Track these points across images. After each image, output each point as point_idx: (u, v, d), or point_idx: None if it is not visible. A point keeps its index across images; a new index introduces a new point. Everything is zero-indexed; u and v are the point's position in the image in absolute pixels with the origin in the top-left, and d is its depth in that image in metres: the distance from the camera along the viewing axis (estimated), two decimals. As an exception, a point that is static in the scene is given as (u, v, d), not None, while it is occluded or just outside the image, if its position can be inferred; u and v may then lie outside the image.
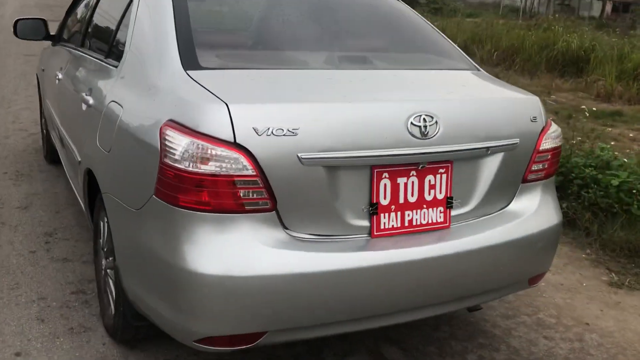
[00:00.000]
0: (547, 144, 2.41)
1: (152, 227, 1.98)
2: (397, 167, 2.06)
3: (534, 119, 2.37)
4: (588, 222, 4.06)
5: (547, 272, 2.60)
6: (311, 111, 1.97)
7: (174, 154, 1.85)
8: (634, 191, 4.02)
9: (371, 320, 2.12)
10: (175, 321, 1.98)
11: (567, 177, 4.31)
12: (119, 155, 2.25)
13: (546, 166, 2.44)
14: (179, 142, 1.85)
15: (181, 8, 2.38)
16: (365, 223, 2.06)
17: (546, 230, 2.41)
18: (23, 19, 3.91)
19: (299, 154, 1.88)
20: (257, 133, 1.84)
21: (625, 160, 4.34)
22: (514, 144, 2.29)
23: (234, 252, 1.87)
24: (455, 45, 2.89)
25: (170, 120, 1.93)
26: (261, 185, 1.86)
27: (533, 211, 2.41)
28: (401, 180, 2.09)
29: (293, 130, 1.88)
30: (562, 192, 4.18)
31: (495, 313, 3.07)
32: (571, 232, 4.11)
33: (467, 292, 2.27)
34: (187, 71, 2.11)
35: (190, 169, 1.83)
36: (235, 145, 1.83)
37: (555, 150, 2.46)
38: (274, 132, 1.86)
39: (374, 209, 2.06)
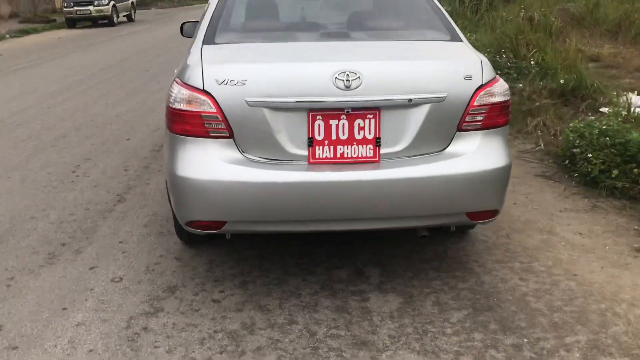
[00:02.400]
0: (483, 99, 2.88)
1: (166, 148, 3.02)
2: (327, 111, 2.79)
3: (468, 77, 2.87)
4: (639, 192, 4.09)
5: (496, 211, 3.01)
6: (257, 69, 2.83)
7: (172, 98, 2.87)
8: None
9: (307, 224, 2.87)
10: (175, 210, 2.99)
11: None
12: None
13: (483, 118, 2.90)
14: (175, 90, 2.86)
15: (222, 2, 3.41)
16: (304, 152, 2.83)
17: (481, 172, 2.88)
18: (187, 22, 5.22)
19: (246, 98, 2.75)
20: (217, 83, 2.77)
21: None
22: (441, 97, 2.82)
23: (204, 163, 2.81)
24: (447, 19, 3.40)
25: (177, 77, 2.95)
26: (220, 119, 2.77)
27: (468, 155, 2.89)
28: (333, 122, 2.81)
29: (242, 82, 2.76)
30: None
31: (493, 258, 3.49)
32: (636, 204, 4.16)
33: (393, 214, 2.87)
34: (204, 45, 3.11)
35: (177, 107, 2.83)
36: (204, 92, 2.78)
37: (495, 105, 2.90)
38: (229, 82, 2.76)
39: (310, 142, 2.82)
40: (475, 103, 2.87)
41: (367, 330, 2.78)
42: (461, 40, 3.27)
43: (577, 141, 4.83)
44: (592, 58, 9.83)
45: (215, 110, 2.76)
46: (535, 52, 7.77)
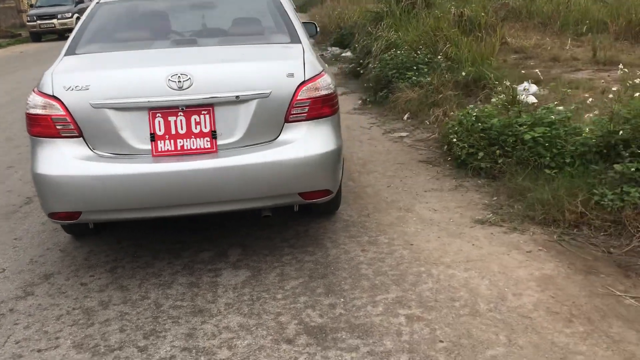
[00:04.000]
0: (306, 94, 3.28)
1: (30, 150, 3.40)
2: (165, 109, 3.17)
3: (290, 75, 3.27)
4: (499, 172, 4.51)
5: (328, 191, 3.41)
6: (99, 75, 3.22)
7: (28, 105, 3.24)
8: (547, 144, 4.36)
9: (157, 211, 3.25)
10: (40, 204, 3.36)
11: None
12: None
13: (307, 110, 3.30)
14: (31, 98, 3.23)
15: (92, 13, 3.80)
16: (147, 147, 3.21)
17: (308, 157, 3.27)
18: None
19: (90, 102, 3.13)
20: (65, 89, 3.14)
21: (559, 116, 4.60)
22: (266, 93, 3.22)
23: (58, 161, 3.17)
24: (292, 25, 3.80)
25: (35, 86, 3.33)
26: (69, 121, 3.15)
27: (296, 142, 3.28)
28: (171, 119, 3.20)
29: (86, 87, 3.14)
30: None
31: (347, 234, 3.89)
32: (494, 182, 4.58)
33: (234, 197, 3.25)
34: (65, 56, 3.50)
35: (32, 112, 3.20)
36: (53, 97, 3.15)
37: (317, 98, 3.30)
38: (75, 88, 3.14)
39: (152, 137, 3.20)
40: (299, 97, 3.27)
41: (209, 300, 3.17)
42: (300, 42, 3.66)
43: (456, 128, 5.25)
44: (516, 50, 10.34)
45: (64, 113, 3.14)
46: (448, 47, 8.21)
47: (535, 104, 6.14)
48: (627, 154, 3.85)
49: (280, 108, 3.27)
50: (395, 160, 5.39)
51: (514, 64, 8.92)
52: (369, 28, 10.95)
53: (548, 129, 4.43)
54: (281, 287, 3.25)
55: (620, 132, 3.93)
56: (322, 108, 3.34)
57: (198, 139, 3.23)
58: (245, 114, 3.23)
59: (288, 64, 3.33)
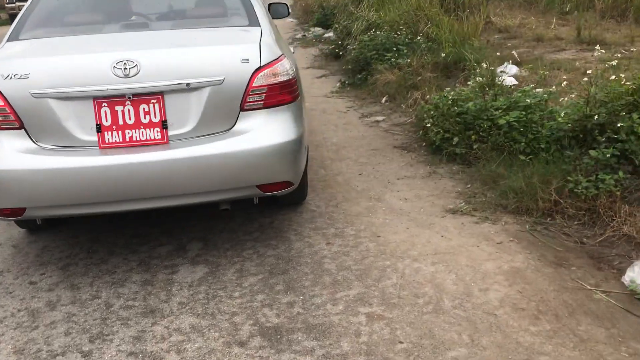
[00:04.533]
0: (262, 80, 3.09)
1: None
2: (111, 98, 2.98)
3: (244, 60, 3.08)
4: (475, 158, 4.36)
5: (288, 183, 3.24)
6: (40, 62, 3.02)
7: None
8: (522, 129, 4.21)
9: (106, 206, 3.07)
10: None
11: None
12: None
13: (264, 98, 3.12)
14: None
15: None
16: (94, 138, 3.02)
17: (265, 147, 3.10)
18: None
19: (30, 91, 2.93)
20: (3, 78, 2.94)
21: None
22: (219, 80, 3.03)
23: (-1, 155, 2.99)
24: (251, 7, 3.61)
25: None
26: (8, 112, 2.95)
27: (252, 132, 3.11)
28: (119, 108, 3.01)
29: (25, 75, 2.93)
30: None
31: (312, 226, 3.73)
32: (468, 169, 4.43)
33: (187, 191, 3.08)
34: (7, 42, 3.29)
35: None
36: None
37: (275, 85, 3.12)
38: (13, 77, 2.94)
39: (98, 128, 3.01)
40: (255, 84, 3.09)
41: (162, 299, 3.01)
42: (259, 25, 3.47)
43: (432, 112, 5.07)
44: (500, 29, 10.14)
45: (2, 104, 2.94)
46: (429, 27, 8.01)
47: (515, 86, 5.98)
48: (603, 139, 3.70)
49: (235, 96, 3.08)
50: (370, 146, 5.23)
51: (498, 44, 8.72)
52: (351, 8, 10.72)
53: (523, 113, 4.27)
54: (239, 285, 3.10)
55: (596, 116, 3.77)
56: (280, 95, 3.16)
57: (148, 130, 3.05)
58: (197, 103, 3.05)
59: (242, 49, 3.14)
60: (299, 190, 3.59)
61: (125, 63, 2.95)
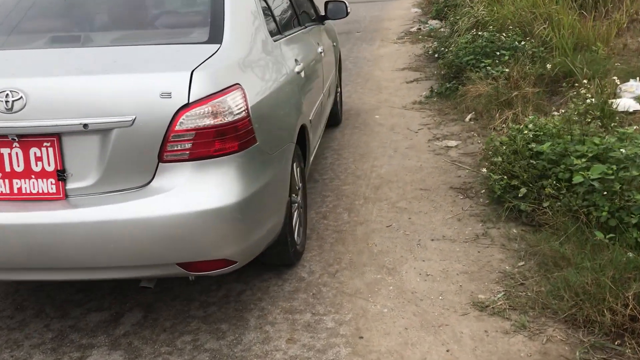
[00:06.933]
0: (189, 122, 2.24)
1: None
2: (-6, 138, 2.29)
3: (165, 95, 2.24)
4: (543, 218, 3.18)
5: (226, 261, 2.38)
6: None
7: None
8: (605, 192, 2.97)
9: None
10: None
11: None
12: None
13: (191, 146, 2.27)
14: None
15: None
16: (-26, 188, 2.36)
17: (187, 214, 2.26)
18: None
19: None
20: None
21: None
22: (126, 121, 2.23)
23: None
24: (221, 17, 2.73)
25: None
26: None
27: (174, 192, 2.28)
28: (5, 151, 2.31)
29: None
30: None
31: (287, 306, 2.83)
32: (533, 235, 3.26)
33: (86, 264, 2.32)
34: None
35: None
36: None
37: (208, 129, 2.26)
38: None
39: (-19, 175, 2.34)
40: (178, 127, 2.24)
41: (39, 404, 2.29)
42: (219, 42, 2.60)
43: (504, 147, 3.92)
44: (648, 30, 8.30)
45: None
46: (543, 28, 6.59)
47: (635, 113, 4.57)
48: None
49: (151, 142, 2.26)
50: (421, 184, 4.17)
51: (637, 49, 7.05)
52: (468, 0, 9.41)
53: (613, 168, 3.01)
54: (141, 397, 2.29)
55: None
56: (219, 142, 2.29)
57: (40, 181, 2.32)
58: (102, 149, 2.28)
59: (163, 78, 2.29)
60: (287, 251, 2.93)
61: (7, 94, 2.23)
